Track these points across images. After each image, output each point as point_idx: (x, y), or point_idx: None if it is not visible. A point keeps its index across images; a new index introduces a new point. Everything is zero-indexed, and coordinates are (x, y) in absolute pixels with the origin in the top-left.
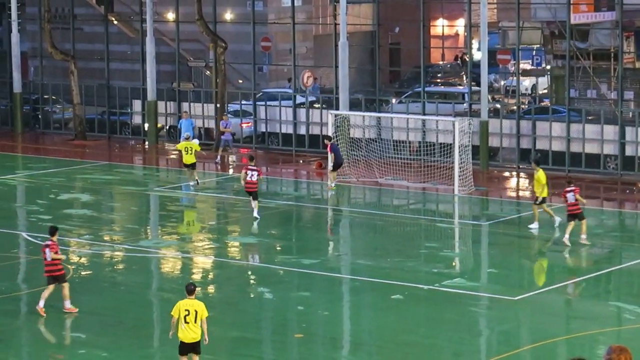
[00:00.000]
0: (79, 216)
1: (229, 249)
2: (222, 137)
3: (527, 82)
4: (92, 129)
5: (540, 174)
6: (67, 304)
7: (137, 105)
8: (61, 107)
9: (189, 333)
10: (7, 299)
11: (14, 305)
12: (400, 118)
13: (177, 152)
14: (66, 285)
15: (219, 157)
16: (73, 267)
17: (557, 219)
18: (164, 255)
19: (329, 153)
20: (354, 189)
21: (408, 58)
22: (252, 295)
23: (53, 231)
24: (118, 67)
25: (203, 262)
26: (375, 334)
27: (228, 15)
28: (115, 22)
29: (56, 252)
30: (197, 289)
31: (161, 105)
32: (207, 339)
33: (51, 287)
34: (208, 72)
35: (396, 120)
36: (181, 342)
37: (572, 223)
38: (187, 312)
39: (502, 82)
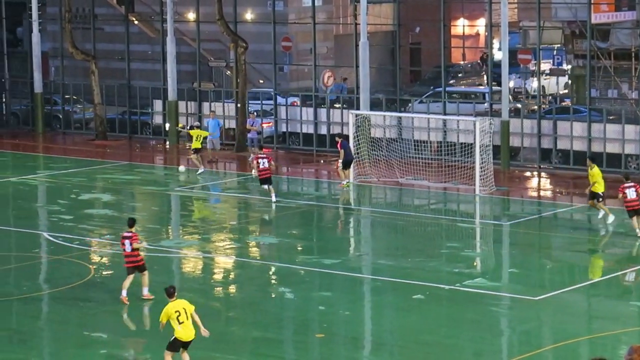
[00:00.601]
0: (100, 216)
1: (250, 248)
2: (249, 135)
3: (535, 84)
4: (113, 129)
5: (595, 171)
6: (145, 291)
7: (157, 105)
8: (82, 107)
9: (187, 332)
10: (28, 298)
11: (36, 305)
12: (421, 118)
13: (185, 132)
14: (146, 274)
15: (252, 155)
16: (94, 267)
17: (608, 215)
18: (185, 255)
19: (339, 150)
20: (375, 188)
21: (429, 58)
22: (273, 295)
23: (132, 223)
24: (139, 67)
25: (224, 262)
26: (397, 333)
27: (248, 15)
28: (136, 22)
29: (138, 242)
30: (176, 290)
31: (182, 105)
32: (206, 331)
33: (131, 277)
34: (229, 72)
35: (417, 120)
36: (176, 339)
37: (635, 218)
38: (177, 313)
39: (512, 84)
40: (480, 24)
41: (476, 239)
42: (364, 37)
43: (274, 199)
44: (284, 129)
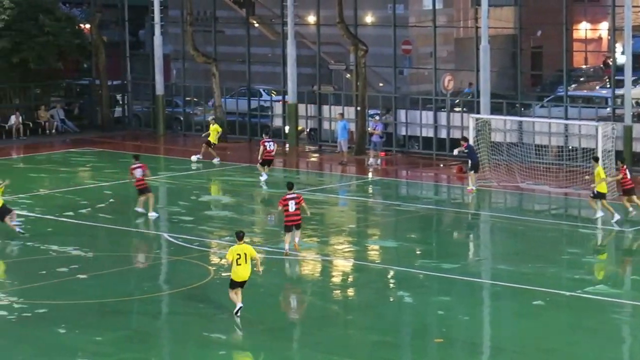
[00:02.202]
0: (219, 218)
1: (368, 252)
2: (372, 138)
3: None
4: (233, 131)
5: (599, 169)
6: (297, 240)
7: (277, 107)
8: (202, 110)
9: (241, 273)
10: (149, 299)
11: (156, 306)
12: (542, 122)
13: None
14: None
15: (371, 159)
16: (214, 268)
17: (617, 216)
18: (304, 258)
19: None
20: (495, 193)
21: (550, 61)
22: (391, 299)
23: (292, 186)
24: (259, 69)
25: (343, 265)
26: (516, 339)
27: (369, 18)
28: (257, 24)
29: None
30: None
31: (301, 108)
32: (259, 270)
33: (289, 235)
34: (348, 75)
35: (538, 124)
36: (232, 280)
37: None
38: (238, 256)
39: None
40: (603, 27)
41: (598, 245)
42: (485, 41)
43: (264, 177)
44: (404, 133)
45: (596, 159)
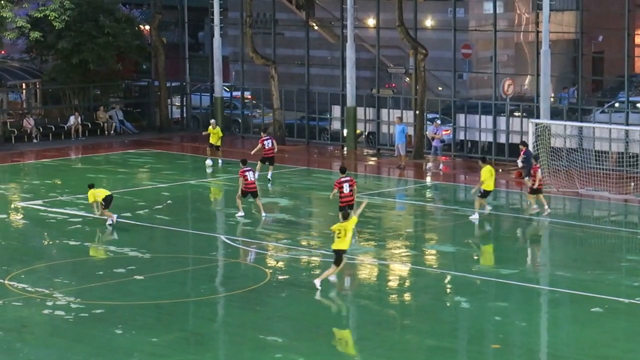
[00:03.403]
0: (277, 220)
1: (425, 256)
2: (433, 143)
3: None
4: (292, 134)
5: (484, 169)
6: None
7: (336, 110)
8: (261, 112)
9: (338, 244)
10: (205, 301)
11: (212, 307)
12: (602, 128)
13: (207, 134)
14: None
15: (430, 163)
16: (270, 271)
17: (488, 208)
18: (361, 262)
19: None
20: (554, 199)
21: (611, 67)
22: (448, 304)
23: (344, 169)
24: (318, 72)
25: (400, 269)
26: (574, 346)
27: (429, 22)
28: (316, 27)
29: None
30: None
31: (360, 111)
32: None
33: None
34: (408, 78)
35: (598, 130)
36: (334, 250)
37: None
38: (339, 231)
39: None
40: None
41: None
42: (545, 45)
43: (269, 175)
44: (462, 137)
45: (483, 159)
